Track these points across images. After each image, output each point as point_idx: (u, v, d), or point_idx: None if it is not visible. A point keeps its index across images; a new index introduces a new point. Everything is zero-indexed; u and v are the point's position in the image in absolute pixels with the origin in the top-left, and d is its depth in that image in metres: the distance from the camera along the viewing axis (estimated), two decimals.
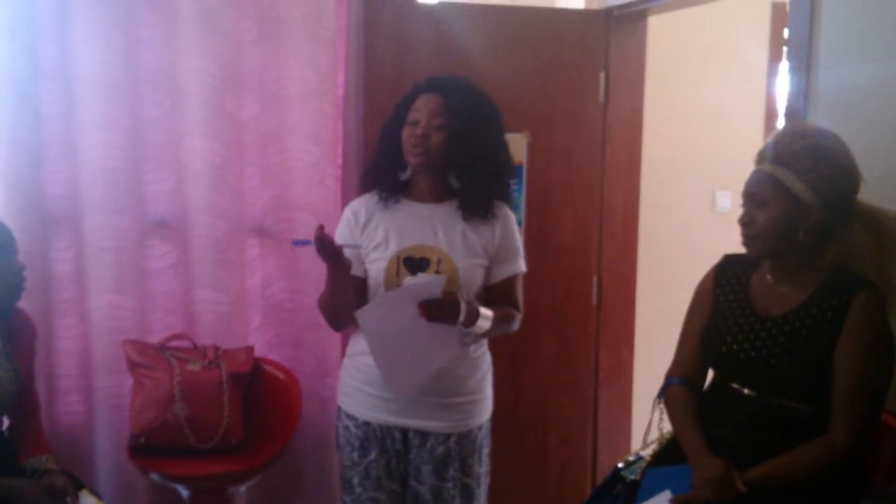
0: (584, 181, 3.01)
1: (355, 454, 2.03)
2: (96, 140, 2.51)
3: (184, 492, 2.48)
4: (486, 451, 2.11)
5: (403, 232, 1.99)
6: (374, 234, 2.01)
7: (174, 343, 2.62)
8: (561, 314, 3.04)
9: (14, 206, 2.44)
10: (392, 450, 2.03)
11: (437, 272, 1.94)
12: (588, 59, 2.96)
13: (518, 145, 2.86)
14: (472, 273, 1.98)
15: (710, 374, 1.90)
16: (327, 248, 1.82)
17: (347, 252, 1.89)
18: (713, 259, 1.95)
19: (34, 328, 2.30)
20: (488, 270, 2.03)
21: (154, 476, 2.45)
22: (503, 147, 2.04)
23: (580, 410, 3.11)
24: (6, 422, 2.27)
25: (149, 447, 2.44)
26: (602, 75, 2.96)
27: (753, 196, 1.72)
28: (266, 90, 2.64)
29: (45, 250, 2.53)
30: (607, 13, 2.96)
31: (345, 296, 1.96)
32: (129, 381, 2.54)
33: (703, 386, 1.91)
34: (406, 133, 1.95)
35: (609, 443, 3.13)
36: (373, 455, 2.02)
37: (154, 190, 2.63)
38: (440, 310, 1.83)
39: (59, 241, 2.56)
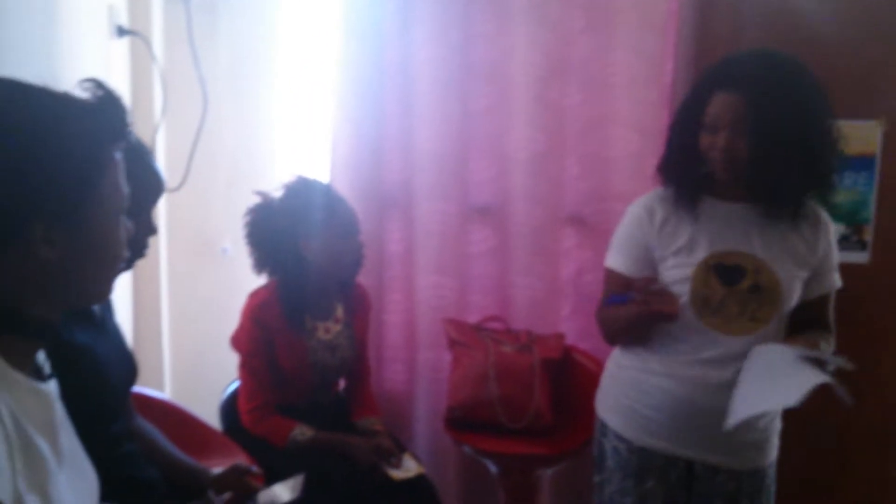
0: None
1: (629, 481, 1.86)
2: (429, 132, 2.67)
3: (493, 468, 2.57)
4: (773, 490, 1.89)
5: (712, 235, 1.78)
6: (674, 236, 1.80)
7: (489, 324, 2.72)
8: None
9: (356, 189, 2.67)
10: (674, 479, 1.84)
11: (755, 284, 1.73)
12: None
13: (869, 134, 2.56)
14: (792, 287, 1.76)
15: None
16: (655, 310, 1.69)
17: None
18: None
19: (370, 302, 2.52)
20: (806, 285, 1.80)
21: (466, 448, 2.56)
22: (828, 137, 1.71)
23: None
24: (342, 384, 2.52)
25: (463, 421, 2.55)
26: None
27: None
28: (591, 79, 2.64)
29: (380, 231, 2.75)
30: None
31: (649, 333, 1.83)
32: (447, 356, 2.68)
33: None
34: (706, 141, 1.72)
35: None
36: (650, 483, 1.84)
37: (478, 178, 2.74)
38: None
39: (393, 223, 2.77)
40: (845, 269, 1.93)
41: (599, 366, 2.62)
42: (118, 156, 1.01)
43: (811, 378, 1.57)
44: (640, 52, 2.57)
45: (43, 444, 0.94)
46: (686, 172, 1.80)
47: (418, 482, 2.25)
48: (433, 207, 2.71)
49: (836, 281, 1.85)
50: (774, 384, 1.63)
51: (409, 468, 2.25)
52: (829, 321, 1.86)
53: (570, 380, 2.66)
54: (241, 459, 1.96)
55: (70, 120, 0.94)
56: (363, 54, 2.65)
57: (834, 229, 1.85)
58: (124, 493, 1.39)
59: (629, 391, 1.87)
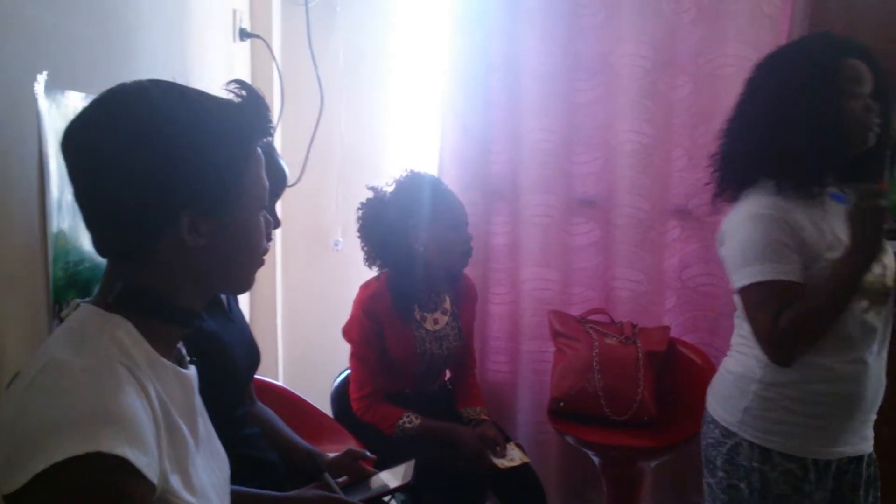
0: None
1: (807, 500, 1.70)
2: (534, 124, 2.69)
3: (595, 459, 2.59)
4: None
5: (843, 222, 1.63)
6: (818, 234, 1.65)
7: (593, 317, 2.73)
8: None
9: (463, 182, 2.72)
10: (827, 479, 1.73)
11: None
12: None
13: None
14: None
15: None
16: None
17: None
18: None
19: (476, 293, 2.56)
20: None
21: (569, 439, 2.58)
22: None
23: None
24: (448, 374, 2.58)
25: (567, 412, 2.56)
26: None
27: None
28: (700, 71, 2.61)
29: (486, 223, 2.79)
30: None
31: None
32: (551, 347, 2.71)
33: None
34: (855, 105, 1.60)
35: None
36: (807, 488, 1.71)
37: (582, 171, 2.75)
38: None
39: (499, 215, 2.80)
40: None
41: (704, 358, 2.61)
42: (259, 151, 1.07)
43: None
44: (752, 44, 2.52)
45: (184, 427, 1.00)
46: (827, 150, 1.63)
47: (523, 471, 2.27)
48: (538, 200, 2.74)
49: None
50: None
51: (513, 457, 2.27)
52: None
53: (675, 373, 2.64)
54: (352, 445, 2.04)
55: (219, 117, 1.00)
56: (470, 49, 2.69)
57: None
58: (247, 473, 1.46)
59: (795, 406, 1.69)
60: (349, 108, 2.97)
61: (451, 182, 2.66)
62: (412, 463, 1.83)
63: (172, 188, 0.96)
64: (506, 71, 2.69)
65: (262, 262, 1.12)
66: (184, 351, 1.12)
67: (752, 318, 1.68)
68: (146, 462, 0.87)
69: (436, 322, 2.40)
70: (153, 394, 0.95)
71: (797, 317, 1.60)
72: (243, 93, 1.04)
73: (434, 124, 2.81)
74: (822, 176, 1.65)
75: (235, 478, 1.21)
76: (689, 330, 2.77)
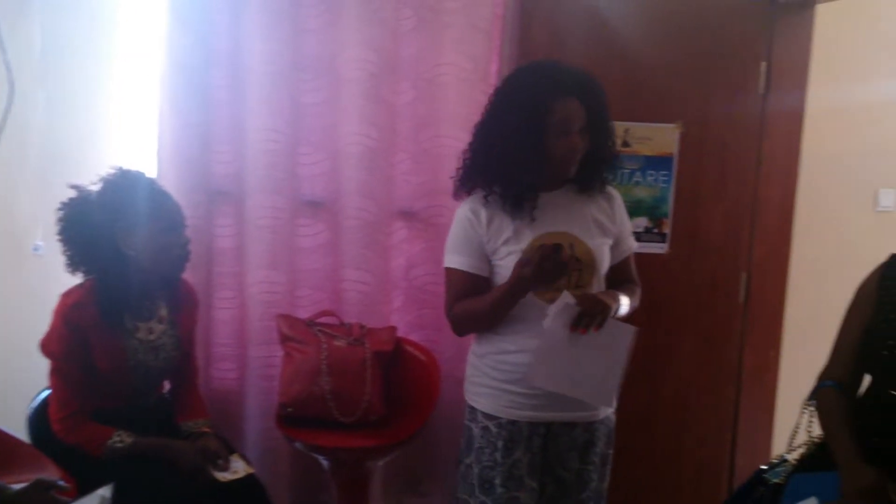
0: (738, 175, 2.88)
1: (498, 454, 2.02)
2: (259, 124, 2.63)
3: (325, 462, 2.58)
4: (613, 431, 2.16)
5: (534, 222, 1.99)
6: (501, 230, 2.00)
7: (322, 319, 2.72)
8: (706, 311, 2.94)
9: (184, 182, 2.59)
10: (536, 446, 2.03)
11: (573, 256, 1.95)
12: (749, 47, 2.82)
13: (669, 136, 2.79)
14: (603, 253, 2.03)
15: (867, 379, 1.81)
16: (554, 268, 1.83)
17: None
18: (872, 259, 1.86)
19: (197, 298, 2.44)
20: (611, 249, 2.08)
21: (298, 445, 2.55)
22: (614, 131, 2.05)
23: (720, 411, 3.00)
24: (167, 385, 2.43)
25: (295, 417, 2.54)
26: (763, 65, 2.82)
27: None
28: (421, 78, 2.69)
29: (209, 226, 2.68)
30: (772, 0, 2.82)
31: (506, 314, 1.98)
32: (279, 352, 2.66)
33: (857, 391, 1.82)
34: (559, 145, 1.91)
35: (749, 446, 3.00)
36: (517, 454, 2.01)
37: (309, 172, 2.73)
38: (593, 318, 1.87)
39: (223, 217, 2.71)
40: (647, 259, 2.16)
41: (430, 356, 2.71)
42: None
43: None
44: (467, 54, 2.65)
45: None
46: (527, 173, 1.95)
47: (247, 483, 2.20)
48: (264, 201, 2.67)
49: (633, 244, 2.15)
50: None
51: (237, 469, 2.20)
52: (635, 276, 2.17)
53: (402, 371, 2.71)
54: (49, 473, 1.85)
55: None
56: (191, 43, 2.57)
57: (622, 202, 2.14)
58: None
59: (493, 373, 2.04)
60: (50, 99, 2.68)
61: (172, 182, 2.53)
62: (109, 488, 1.71)
63: None
64: (228, 67, 2.61)
65: None
66: None
67: (445, 294, 2.06)
68: None
69: (150, 331, 2.25)
70: None
71: (464, 311, 2.01)
72: None
73: (152, 120, 2.63)
74: (526, 193, 1.97)
75: None
76: (416, 328, 2.85)
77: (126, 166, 2.22)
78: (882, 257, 1.85)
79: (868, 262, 1.87)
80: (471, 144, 2.05)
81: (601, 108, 1.96)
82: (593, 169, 2.01)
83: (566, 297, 1.86)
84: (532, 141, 1.90)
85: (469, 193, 2.06)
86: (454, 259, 2.04)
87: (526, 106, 1.90)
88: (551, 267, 1.83)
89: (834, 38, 2.91)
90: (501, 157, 1.94)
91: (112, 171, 2.19)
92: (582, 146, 1.93)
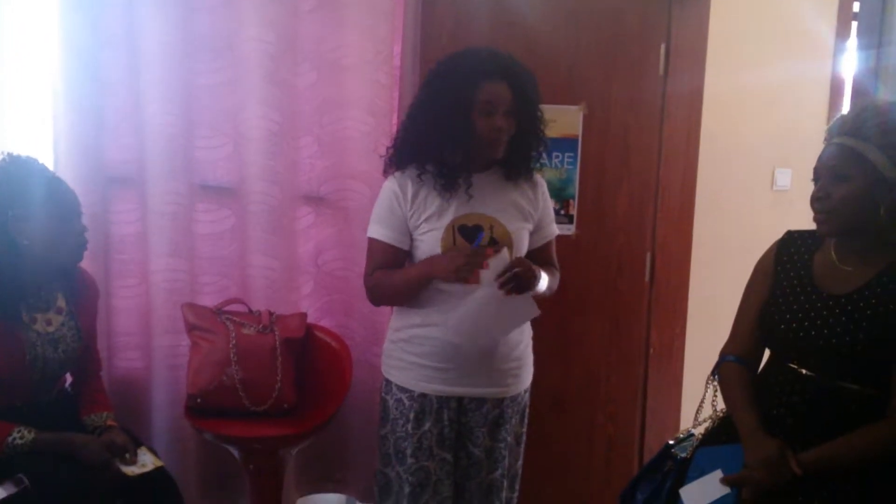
0: (641, 156, 2.96)
1: (409, 426, 2.11)
2: (156, 107, 2.54)
3: (236, 452, 2.54)
4: (527, 410, 2.26)
5: (457, 202, 2.05)
6: (425, 207, 2.06)
7: (230, 307, 2.66)
8: (613, 291, 3.02)
9: (78, 169, 2.49)
10: (446, 419, 2.11)
11: (492, 238, 2.03)
12: (649, 31, 2.89)
13: (573, 118, 2.84)
14: (522, 237, 2.10)
15: (767, 353, 1.87)
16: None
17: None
18: (770, 237, 1.92)
19: (97, 288, 2.37)
20: (532, 234, 2.15)
21: (208, 436, 2.51)
22: (543, 119, 2.11)
23: (629, 388, 3.09)
24: (69, 379, 2.35)
25: (204, 407, 2.49)
26: (663, 48, 2.90)
27: (831, 169, 1.66)
28: (323, 59, 2.65)
29: (106, 213, 2.59)
30: None
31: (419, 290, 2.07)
32: (185, 341, 2.60)
33: (758, 365, 1.88)
34: (484, 124, 1.98)
35: (657, 422, 3.10)
36: (427, 426, 2.10)
37: (211, 156, 2.66)
38: (522, 282, 1.94)
39: (121, 204, 2.61)
40: (556, 241, 2.22)
41: (340, 342, 2.69)
42: None
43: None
44: (369, 36, 2.62)
45: None
46: (453, 152, 2.02)
47: (155, 476, 2.15)
48: (165, 187, 2.59)
49: (555, 229, 2.24)
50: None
51: (145, 463, 2.15)
52: (555, 261, 2.26)
53: (313, 358, 2.69)
54: None
55: None
56: (82, 22, 2.46)
57: (546, 188, 2.21)
58: None
59: (407, 347, 2.13)
60: None
61: (67, 168, 2.43)
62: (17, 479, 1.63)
63: None
64: (122, 48, 2.50)
65: None
66: None
67: (366, 261, 2.14)
68: None
69: (49, 323, 2.16)
70: None
71: (380, 282, 2.10)
72: None
73: (44, 104, 2.52)
74: (457, 173, 2.03)
75: None
76: (326, 314, 2.83)
77: (16, 152, 2.13)
78: (779, 235, 1.91)
79: (767, 240, 1.93)
80: (403, 123, 2.13)
81: (530, 94, 2.01)
82: (520, 154, 2.08)
83: (504, 255, 1.94)
84: (459, 119, 1.96)
85: (399, 170, 2.11)
86: (376, 229, 2.11)
87: (455, 86, 1.97)
88: (466, 267, 1.92)
89: (730, 23, 3.01)
90: (431, 135, 2.01)
91: (1, 158, 2.10)
92: (507, 128, 1.99)
